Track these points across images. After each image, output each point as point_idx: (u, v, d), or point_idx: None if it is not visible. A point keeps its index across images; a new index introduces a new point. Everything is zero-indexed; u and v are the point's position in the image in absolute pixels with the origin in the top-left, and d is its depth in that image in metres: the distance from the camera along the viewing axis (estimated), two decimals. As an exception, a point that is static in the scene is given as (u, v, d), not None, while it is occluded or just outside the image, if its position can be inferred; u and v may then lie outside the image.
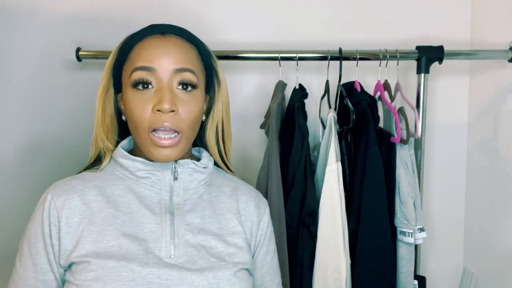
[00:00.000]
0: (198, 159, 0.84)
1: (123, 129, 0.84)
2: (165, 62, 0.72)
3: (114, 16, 1.34)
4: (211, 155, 0.86)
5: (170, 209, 0.76)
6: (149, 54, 0.73)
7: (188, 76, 0.74)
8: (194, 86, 0.75)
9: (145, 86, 0.72)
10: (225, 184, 0.86)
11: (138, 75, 0.72)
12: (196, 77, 0.75)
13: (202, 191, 0.81)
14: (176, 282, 0.70)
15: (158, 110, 0.71)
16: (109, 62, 0.80)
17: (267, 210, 0.88)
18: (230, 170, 0.89)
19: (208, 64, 0.81)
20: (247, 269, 0.79)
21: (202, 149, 0.86)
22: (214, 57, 0.83)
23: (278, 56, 1.17)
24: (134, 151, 0.82)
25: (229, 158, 0.89)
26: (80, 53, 1.25)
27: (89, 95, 1.32)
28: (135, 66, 0.73)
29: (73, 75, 1.35)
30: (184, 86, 0.74)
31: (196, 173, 0.80)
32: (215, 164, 0.87)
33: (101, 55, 1.24)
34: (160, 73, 0.72)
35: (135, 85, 0.72)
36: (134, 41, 0.76)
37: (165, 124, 0.71)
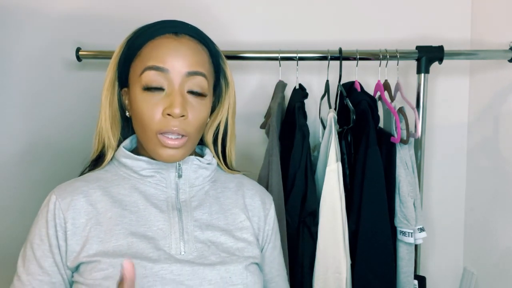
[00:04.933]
0: (202, 157, 0.84)
1: (126, 125, 0.83)
2: (178, 64, 0.71)
3: (114, 15, 1.34)
4: None
5: (177, 206, 0.76)
6: (162, 54, 0.71)
7: (200, 81, 0.73)
8: (204, 95, 0.74)
9: (157, 88, 0.72)
10: (230, 180, 0.86)
11: (150, 75, 0.71)
12: (207, 81, 0.74)
13: (208, 188, 0.82)
14: (189, 277, 0.70)
15: (168, 114, 0.70)
16: (115, 55, 0.78)
17: (273, 205, 0.88)
18: (230, 169, 0.88)
19: (217, 65, 0.80)
20: (257, 264, 0.79)
21: (204, 146, 0.86)
22: (224, 57, 0.83)
23: (278, 56, 1.17)
24: (137, 150, 0.81)
25: (232, 158, 0.88)
26: (80, 53, 1.25)
27: (89, 95, 1.32)
28: (146, 65, 0.71)
29: (73, 75, 1.35)
30: (195, 93, 0.73)
31: (201, 169, 0.80)
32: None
33: (101, 55, 1.25)
34: (172, 75, 0.71)
35: (146, 87, 0.71)
36: (145, 37, 0.74)
37: (173, 128, 0.71)
